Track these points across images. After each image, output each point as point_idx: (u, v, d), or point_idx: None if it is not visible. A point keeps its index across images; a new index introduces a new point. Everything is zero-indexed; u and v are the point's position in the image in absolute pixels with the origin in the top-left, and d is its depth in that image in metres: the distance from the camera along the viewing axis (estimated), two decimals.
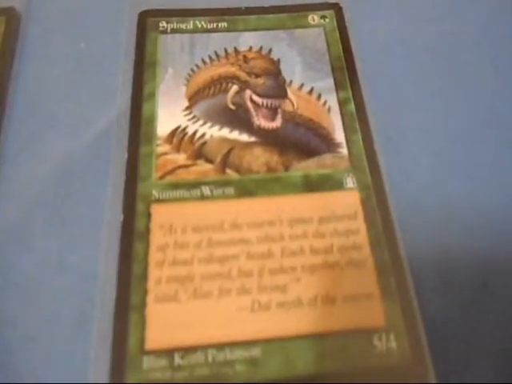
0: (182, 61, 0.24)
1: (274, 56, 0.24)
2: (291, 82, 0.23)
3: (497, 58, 0.25)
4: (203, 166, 0.21)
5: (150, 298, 0.18)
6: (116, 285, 0.18)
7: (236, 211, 0.20)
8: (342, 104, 0.23)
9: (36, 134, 0.22)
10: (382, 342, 0.17)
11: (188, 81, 0.23)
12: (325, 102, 0.23)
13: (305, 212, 0.20)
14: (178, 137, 0.21)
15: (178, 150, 0.21)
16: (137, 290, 0.18)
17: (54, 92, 0.23)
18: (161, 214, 0.19)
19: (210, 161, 0.21)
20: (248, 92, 0.23)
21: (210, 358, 0.17)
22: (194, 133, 0.22)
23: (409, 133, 0.22)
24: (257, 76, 0.23)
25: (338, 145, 0.21)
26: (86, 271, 0.19)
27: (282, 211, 0.20)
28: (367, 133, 0.22)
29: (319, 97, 0.23)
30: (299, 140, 0.22)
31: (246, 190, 0.20)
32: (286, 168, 0.21)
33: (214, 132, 0.22)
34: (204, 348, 0.17)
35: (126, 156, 0.21)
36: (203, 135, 0.21)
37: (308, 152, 0.21)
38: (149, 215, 0.19)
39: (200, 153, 0.21)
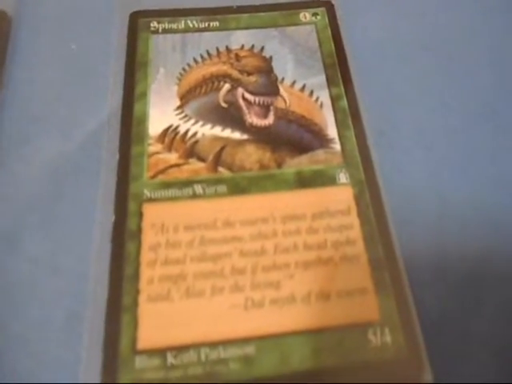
0: (173, 60, 0.23)
1: (266, 54, 0.24)
2: (283, 79, 0.23)
3: (490, 52, 0.25)
4: (195, 165, 0.21)
5: (142, 298, 0.17)
6: (108, 285, 0.18)
7: (229, 209, 0.19)
8: (334, 100, 0.22)
9: (27, 136, 0.22)
10: (377, 337, 0.17)
11: (180, 80, 0.23)
12: (317, 99, 0.23)
13: (298, 208, 0.19)
14: (169, 136, 0.21)
15: (169, 149, 0.21)
16: (129, 289, 0.18)
17: (45, 94, 0.23)
18: (153, 214, 0.19)
19: (202, 159, 0.21)
20: (240, 90, 0.23)
21: (203, 357, 0.17)
22: (186, 132, 0.21)
23: (402, 128, 0.22)
24: (249, 74, 0.23)
25: (330, 140, 0.21)
26: (78, 272, 0.19)
27: (274, 208, 0.19)
28: (360, 128, 0.21)
29: (311, 93, 0.23)
30: (292, 137, 0.21)
31: (238, 187, 0.20)
32: (279, 165, 0.21)
33: (206, 130, 0.22)
34: (197, 347, 0.17)
35: (117, 156, 0.20)
36: (195, 134, 0.21)
37: (301, 148, 0.21)
38: (140, 215, 0.19)
39: (192, 151, 0.21)
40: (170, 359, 0.16)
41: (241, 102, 0.22)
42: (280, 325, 0.17)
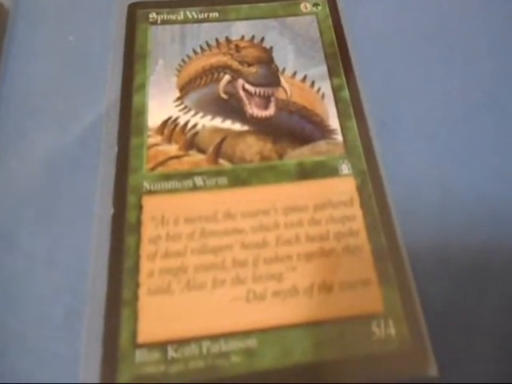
0: (172, 52, 0.23)
1: (267, 44, 0.24)
2: (284, 69, 0.23)
3: (491, 43, 0.24)
4: (195, 157, 0.20)
5: (142, 291, 0.17)
6: (107, 279, 0.17)
7: (229, 201, 0.19)
8: (335, 91, 0.22)
9: (24, 130, 0.21)
10: (381, 329, 0.17)
11: (179, 71, 0.23)
12: (318, 89, 0.22)
13: (300, 200, 0.19)
14: (169, 128, 0.21)
15: (169, 140, 0.21)
16: (128, 283, 0.17)
17: (42, 86, 0.23)
18: (152, 206, 0.19)
19: (202, 151, 0.20)
20: (240, 81, 0.22)
21: (204, 350, 0.16)
22: (186, 123, 0.21)
23: (404, 118, 0.22)
24: (249, 65, 0.23)
25: (332, 131, 0.21)
26: (76, 267, 0.18)
27: (276, 200, 0.19)
28: (362, 119, 0.21)
29: (313, 84, 0.22)
30: (293, 128, 0.21)
31: (239, 179, 0.20)
32: (280, 156, 0.20)
33: (206, 122, 0.21)
34: (198, 340, 0.16)
35: (116, 148, 0.20)
36: (195, 125, 0.21)
37: (302, 139, 0.21)
38: (140, 207, 0.19)
39: (192, 143, 0.21)
40: (171, 353, 0.16)
41: (241, 93, 0.22)
42: (282, 317, 0.17)
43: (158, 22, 0.24)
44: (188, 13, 0.25)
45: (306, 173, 0.20)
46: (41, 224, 0.19)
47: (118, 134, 0.20)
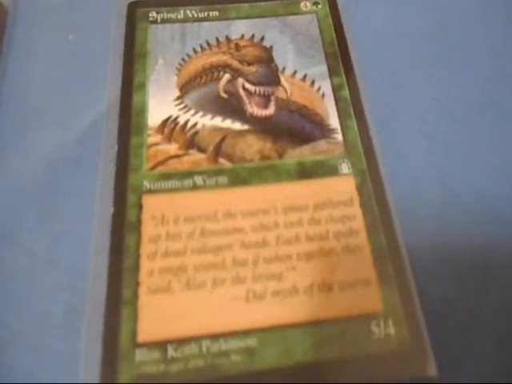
0: (172, 51, 0.23)
1: (267, 43, 0.24)
2: (284, 69, 0.23)
3: (491, 43, 0.24)
4: (195, 156, 0.20)
5: (142, 290, 0.17)
6: (107, 278, 0.17)
7: (229, 200, 0.19)
8: (335, 90, 0.22)
9: (25, 129, 0.21)
10: (380, 328, 0.17)
11: (179, 70, 0.23)
12: (318, 89, 0.22)
13: (300, 199, 0.19)
14: (169, 127, 0.21)
15: (169, 140, 0.21)
16: (128, 282, 0.17)
17: (42, 86, 0.23)
18: (152, 205, 0.19)
19: (202, 150, 0.20)
20: (240, 80, 0.22)
21: (204, 349, 0.16)
22: (186, 122, 0.21)
23: (404, 117, 0.22)
24: (249, 64, 0.23)
25: (332, 131, 0.21)
26: (76, 266, 0.18)
27: (276, 199, 0.19)
28: (362, 118, 0.21)
29: (313, 83, 0.22)
30: (293, 127, 0.21)
31: (239, 178, 0.20)
32: (280, 155, 0.20)
33: (206, 121, 0.21)
34: (198, 339, 0.16)
35: (116, 147, 0.20)
36: (195, 125, 0.21)
37: (302, 138, 0.21)
38: (140, 206, 0.19)
39: (192, 142, 0.21)
40: (171, 352, 0.16)
41: (241, 92, 0.22)
42: (282, 317, 0.17)
43: (158, 21, 0.24)
44: (188, 12, 0.24)
45: (305, 172, 0.20)
46: (41, 223, 0.19)
47: (118, 133, 0.20)
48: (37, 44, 0.24)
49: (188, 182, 0.20)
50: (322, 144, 0.21)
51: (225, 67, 0.23)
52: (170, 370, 0.16)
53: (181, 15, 0.24)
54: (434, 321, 0.17)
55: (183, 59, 0.23)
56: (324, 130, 0.21)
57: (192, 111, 0.21)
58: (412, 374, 0.16)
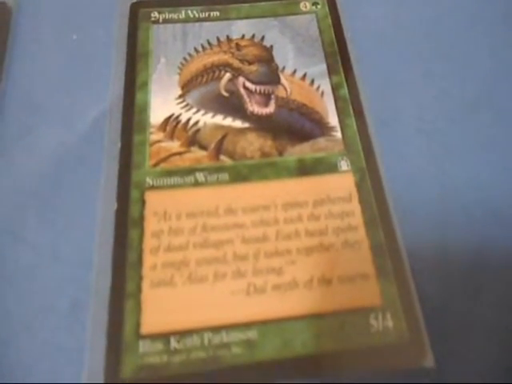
0: (174, 50, 0.24)
1: (267, 43, 0.24)
2: (284, 68, 0.23)
3: (490, 41, 0.25)
4: (197, 153, 0.21)
5: (146, 284, 0.18)
6: (111, 272, 0.18)
7: (230, 196, 0.20)
8: (335, 89, 0.23)
9: (29, 126, 0.22)
10: (379, 321, 0.17)
11: (181, 69, 0.23)
12: (318, 87, 0.23)
13: (299, 196, 0.20)
14: (171, 125, 0.21)
15: (171, 137, 0.21)
16: (132, 276, 0.18)
17: (46, 84, 0.23)
18: (155, 201, 0.19)
19: (203, 147, 0.21)
20: (241, 79, 0.23)
21: (206, 341, 0.17)
22: (188, 120, 0.21)
23: (402, 115, 0.22)
24: (249, 63, 0.23)
25: (331, 128, 0.21)
26: (81, 260, 0.19)
27: (276, 195, 0.20)
28: (361, 116, 0.22)
29: (312, 82, 0.23)
30: (293, 125, 0.22)
31: (240, 175, 0.20)
32: (280, 153, 0.21)
33: (208, 119, 0.22)
34: (200, 331, 0.17)
35: (119, 145, 0.21)
36: (196, 122, 0.21)
37: (302, 136, 0.21)
38: (143, 202, 0.19)
39: (194, 140, 0.21)
40: (174, 343, 0.17)
41: (242, 90, 0.22)
42: (282, 310, 0.17)
43: (160, 21, 0.24)
44: (189, 12, 0.25)
45: (305, 169, 0.20)
46: (46, 219, 0.20)
47: (121, 131, 0.21)
48: (41, 43, 0.24)
49: (190, 179, 0.20)
50: (321, 142, 0.21)
51: (226, 66, 0.23)
52: (172, 361, 0.16)
53: (182, 15, 0.25)
54: (431, 314, 0.18)
55: (185, 58, 0.23)
56: (323, 128, 0.21)
57: (194, 109, 0.22)
58: (410, 366, 0.16)
